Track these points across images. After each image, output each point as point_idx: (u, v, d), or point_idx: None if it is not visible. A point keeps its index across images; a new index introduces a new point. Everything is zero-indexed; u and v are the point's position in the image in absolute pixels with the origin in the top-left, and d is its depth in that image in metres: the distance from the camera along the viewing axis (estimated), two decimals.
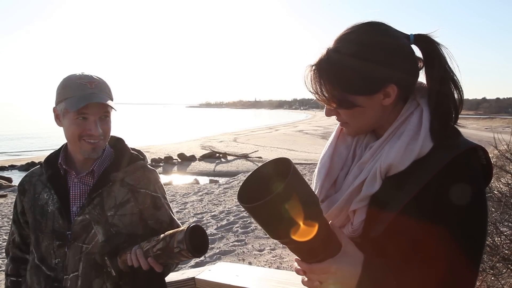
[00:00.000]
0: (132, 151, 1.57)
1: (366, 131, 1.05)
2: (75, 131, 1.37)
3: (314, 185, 1.08)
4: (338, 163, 1.07)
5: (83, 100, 1.33)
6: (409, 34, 0.98)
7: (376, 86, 0.94)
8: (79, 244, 1.40)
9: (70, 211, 1.43)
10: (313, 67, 0.97)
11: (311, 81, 0.97)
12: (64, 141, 1.49)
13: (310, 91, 0.99)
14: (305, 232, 0.81)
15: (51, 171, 1.48)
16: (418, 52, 0.99)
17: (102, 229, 1.41)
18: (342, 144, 1.09)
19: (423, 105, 0.96)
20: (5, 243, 7.47)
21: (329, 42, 0.98)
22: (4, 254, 6.90)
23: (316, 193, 1.04)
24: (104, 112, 1.40)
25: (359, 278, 0.88)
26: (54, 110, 1.42)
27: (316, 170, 1.11)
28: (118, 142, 1.58)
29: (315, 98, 0.99)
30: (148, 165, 1.58)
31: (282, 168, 0.84)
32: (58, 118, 1.42)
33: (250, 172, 0.90)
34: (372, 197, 0.95)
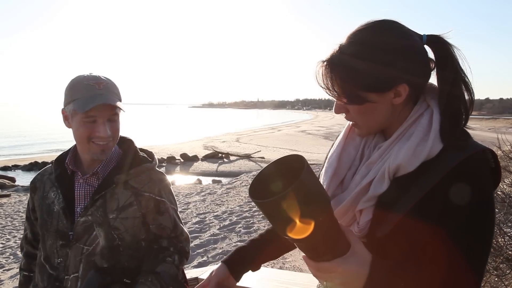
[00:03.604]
0: (141, 153, 1.55)
1: (376, 131, 1.04)
2: (83, 133, 1.36)
3: None
4: (346, 162, 1.07)
5: (91, 101, 1.32)
6: (422, 34, 0.97)
7: (388, 84, 0.93)
8: (80, 246, 1.40)
9: (75, 212, 1.43)
10: (325, 63, 0.96)
11: (322, 77, 0.97)
12: (67, 141, 1.49)
13: (321, 87, 0.98)
14: (314, 235, 0.80)
15: (60, 171, 1.48)
16: (430, 53, 0.97)
17: (104, 231, 1.40)
18: (350, 144, 1.09)
19: (433, 106, 0.95)
20: (9, 243, 7.52)
21: (342, 39, 0.97)
22: (7, 254, 6.94)
23: None
24: (112, 114, 1.39)
25: (367, 279, 0.87)
26: (63, 111, 1.41)
27: (324, 169, 1.10)
28: (126, 143, 1.56)
29: (325, 94, 0.99)
30: (156, 168, 1.55)
31: (296, 165, 0.83)
32: (67, 120, 1.41)
33: (263, 167, 0.90)
34: (379, 197, 0.95)
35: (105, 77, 1.40)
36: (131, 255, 1.45)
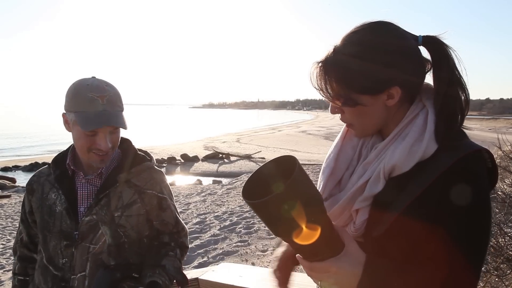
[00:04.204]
0: (139, 152, 1.57)
1: (372, 132, 1.05)
2: (84, 144, 1.36)
3: (318, 184, 1.08)
4: (343, 163, 1.07)
5: (95, 121, 1.31)
6: (417, 35, 0.97)
7: (380, 87, 0.94)
8: (86, 245, 1.41)
9: (78, 212, 1.43)
10: (319, 64, 0.97)
11: (317, 78, 0.97)
12: (67, 142, 1.50)
13: (315, 88, 0.99)
14: (307, 235, 0.80)
15: (59, 171, 1.49)
16: (426, 54, 0.98)
17: (109, 229, 1.42)
18: (348, 145, 1.10)
19: (428, 106, 0.95)
20: (9, 243, 7.50)
21: (337, 40, 0.98)
22: (7, 255, 6.93)
23: (320, 191, 1.04)
24: (114, 128, 1.39)
25: (360, 278, 0.87)
26: (63, 116, 1.40)
27: (321, 169, 1.11)
28: (125, 144, 1.57)
29: (319, 95, 0.99)
30: (155, 166, 1.58)
31: (288, 166, 0.83)
32: (67, 124, 1.40)
33: (257, 168, 0.90)
34: (375, 197, 0.95)
35: (107, 85, 1.37)
36: (136, 252, 1.49)
